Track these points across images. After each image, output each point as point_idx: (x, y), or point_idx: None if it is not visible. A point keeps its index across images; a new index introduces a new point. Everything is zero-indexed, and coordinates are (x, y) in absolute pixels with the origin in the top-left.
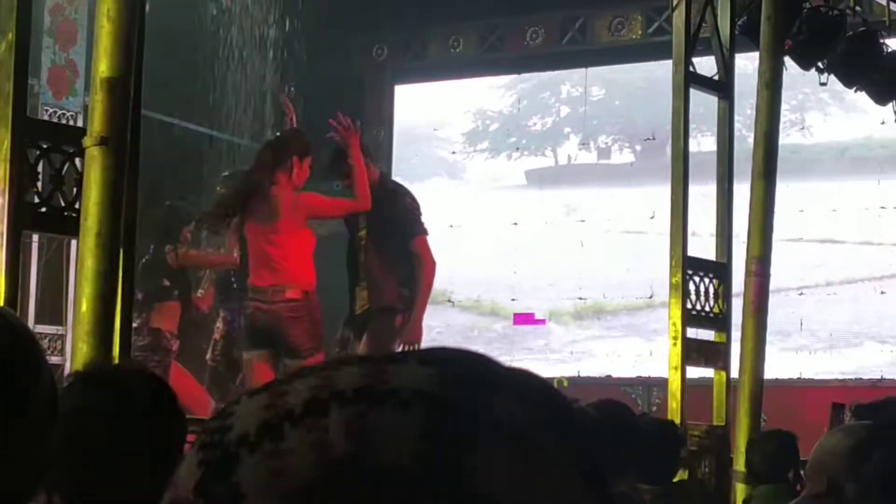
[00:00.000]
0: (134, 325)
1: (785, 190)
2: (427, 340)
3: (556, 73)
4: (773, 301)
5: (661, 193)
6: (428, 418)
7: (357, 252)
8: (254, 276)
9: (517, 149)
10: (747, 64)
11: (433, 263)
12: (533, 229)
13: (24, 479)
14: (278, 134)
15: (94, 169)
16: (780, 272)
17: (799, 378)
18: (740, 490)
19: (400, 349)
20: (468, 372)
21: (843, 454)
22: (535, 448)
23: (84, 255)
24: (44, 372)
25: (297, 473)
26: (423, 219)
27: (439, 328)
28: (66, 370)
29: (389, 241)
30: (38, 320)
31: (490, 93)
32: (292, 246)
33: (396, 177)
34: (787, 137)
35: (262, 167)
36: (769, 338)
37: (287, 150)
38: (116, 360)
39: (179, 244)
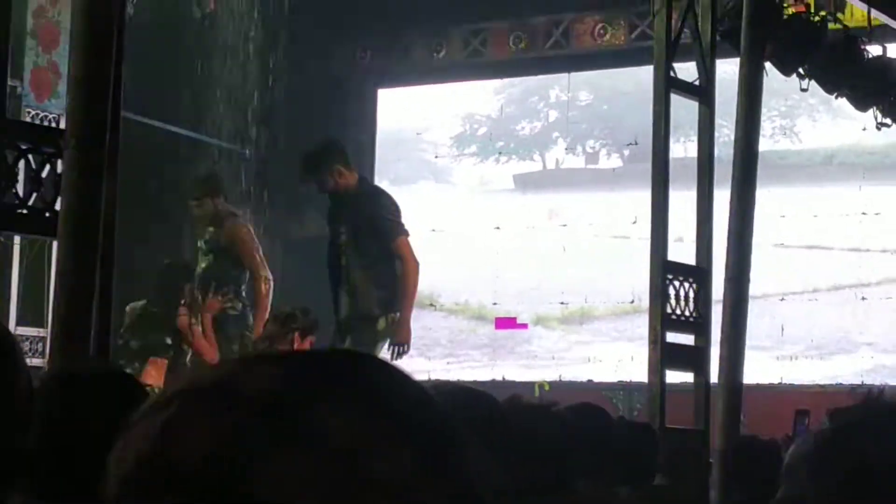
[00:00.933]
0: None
1: (769, 195)
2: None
3: (545, 77)
4: (755, 307)
5: (647, 198)
6: (235, 420)
7: (338, 257)
8: None
9: (505, 153)
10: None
11: (417, 263)
12: (517, 233)
13: None
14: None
15: (72, 170)
16: (763, 278)
17: (780, 383)
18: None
19: (389, 352)
20: (315, 377)
21: (807, 457)
22: (351, 460)
23: (62, 256)
24: (21, 369)
25: (123, 460)
26: (406, 221)
27: (421, 332)
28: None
29: (370, 244)
30: (19, 322)
31: (478, 97)
32: None
33: (381, 180)
34: (776, 144)
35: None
36: (750, 343)
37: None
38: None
39: (187, 306)
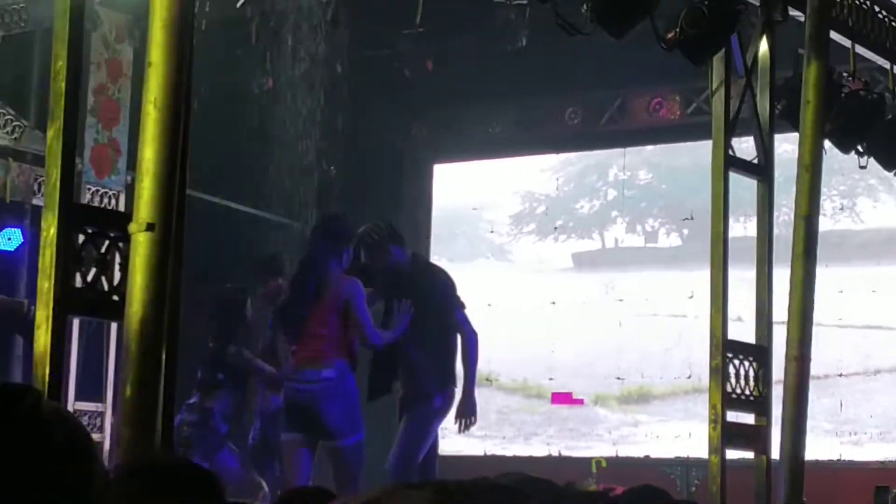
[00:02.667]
0: (190, 401)
1: (828, 274)
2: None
3: (603, 155)
4: (813, 385)
5: (704, 276)
6: None
7: None
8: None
9: (563, 231)
10: (794, 148)
11: (475, 335)
12: (573, 309)
13: None
14: None
15: (139, 255)
16: (822, 356)
17: (839, 460)
18: None
19: (457, 425)
20: (457, 502)
21: None
22: None
23: (129, 340)
24: (98, 464)
25: None
26: (462, 296)
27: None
28: (106, 447)
29: (428, 318)
30: (77, 397)
31: (536, 174)
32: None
33: (437, 257)
34: (837, 224)
35: None
36: (809, 421)
37: None
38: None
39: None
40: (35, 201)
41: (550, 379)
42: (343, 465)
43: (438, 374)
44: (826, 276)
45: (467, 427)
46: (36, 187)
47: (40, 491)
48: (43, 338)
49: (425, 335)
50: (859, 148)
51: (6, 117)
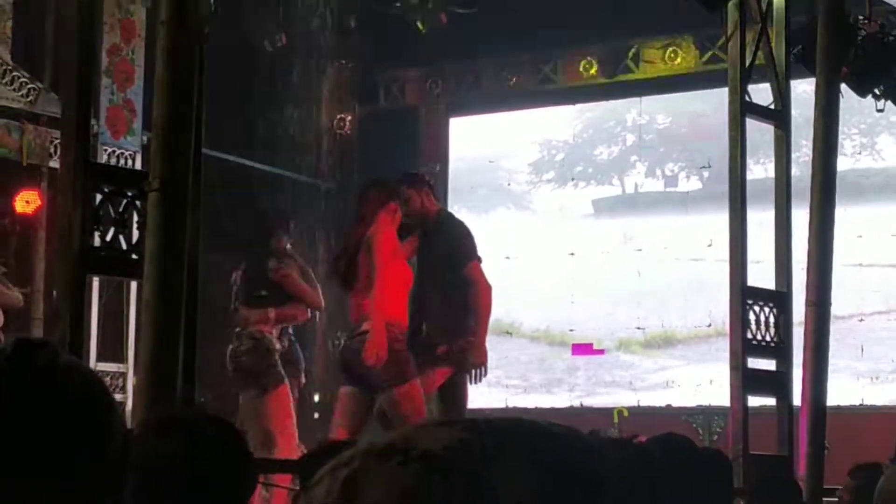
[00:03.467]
0: (236, 329)
1: (849, 214)
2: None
3: (622, 102)
4: (834, 327)
5: (723, 220)
6: (417, 476)
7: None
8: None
9: (583, 178)
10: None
11: (489, 287)
12: (593, 259)
13: None
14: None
15: (156, 213)
16: (841, 298)
17: (861, 405)
18: None
19: (468, 375)
20: (486, 440)
21: None
22: None
23: (148, 299)
24: (116, 418)
25: None
26: (480, 247)
27: (498, 359)
28: (128, 408)
29: (444, 272)
30: (99, 358)
31: (553, 123)
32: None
33: (456, 207)
34: (857, 163)
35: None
36: (830, 365)
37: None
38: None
39: (278, 259)
40: (52, 164)
41: (571, 330)
42: (398, 415)
43: (450, 324)
44: (846, 217)
45: (479, 379)
46: (52, 150)
47: (55, 441)
48: (63, 297)
49: (442, 287)
50: (876, 91)
51: (21, 80)
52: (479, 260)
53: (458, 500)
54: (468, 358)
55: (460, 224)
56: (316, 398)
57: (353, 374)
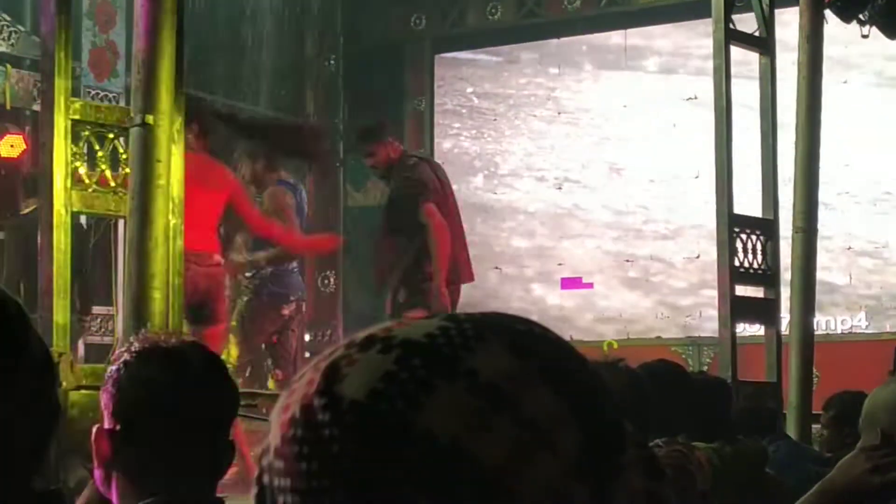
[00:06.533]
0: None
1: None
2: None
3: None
4: (822, 257)
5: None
6: (398, 360)
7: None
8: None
9: None
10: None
11: (443, 228)
12: (580, 191)
13: (25, 445)
14: None
15: (139, 148)
16: (829, 228)
17: (850, 332)
18: None
19: None
20: (466, 326)
21: (895, 406)
22: (508, 398)
23: (132, 233)
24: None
25: (288, 407)
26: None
27: (483, 297)
28: (117, 350)
29: (398, 216)
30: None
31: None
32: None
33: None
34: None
35: None
36: (818, 294)
37: None
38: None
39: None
40: (35, 107)
41: (560, 264)
42: None
43: (405, 275)
44: (832, 146)
45: None
46: (35, 93)
47: None
48: (47, 236)
49: (393, 233)
50: (861, 17)
51: (2, 23)
52: (430, 200)
53: (439, 380)
54: (429, 305)
55: (413, 166)
56: (307, 337)
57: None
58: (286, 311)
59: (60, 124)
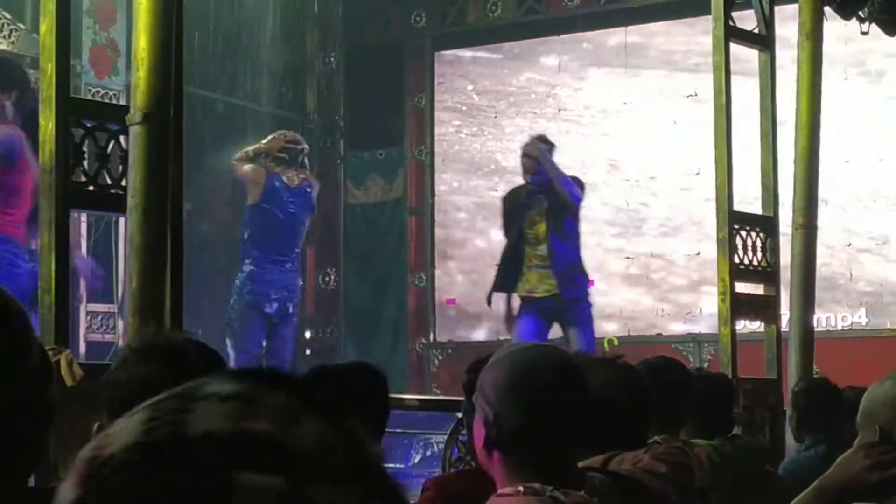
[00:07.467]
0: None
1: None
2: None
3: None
4: (822, 253)
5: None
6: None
7: None
8: None
9: None
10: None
11: None
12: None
13: (21, 445)
14: None
15: (138, 145)
16: (829, 225)
17: (850, 329)
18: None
19: None
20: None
21: (893, 402)
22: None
23: (133, 231)
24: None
25: None
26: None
27: (482, 294)
28: (118, 348)
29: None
30: (89, 299)
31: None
32: None
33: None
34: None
35: None
36: (818, 291)
37: None
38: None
39: None
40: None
41: None
42: None
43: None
44: (832, 143)
45: None
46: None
47: None
48: (47, 234)
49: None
50: (861, 14)
51: (2, 21)
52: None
53: None
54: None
55: None
56: (307, 335)
57: None
58: (268, 311)
59: (60, 122)
